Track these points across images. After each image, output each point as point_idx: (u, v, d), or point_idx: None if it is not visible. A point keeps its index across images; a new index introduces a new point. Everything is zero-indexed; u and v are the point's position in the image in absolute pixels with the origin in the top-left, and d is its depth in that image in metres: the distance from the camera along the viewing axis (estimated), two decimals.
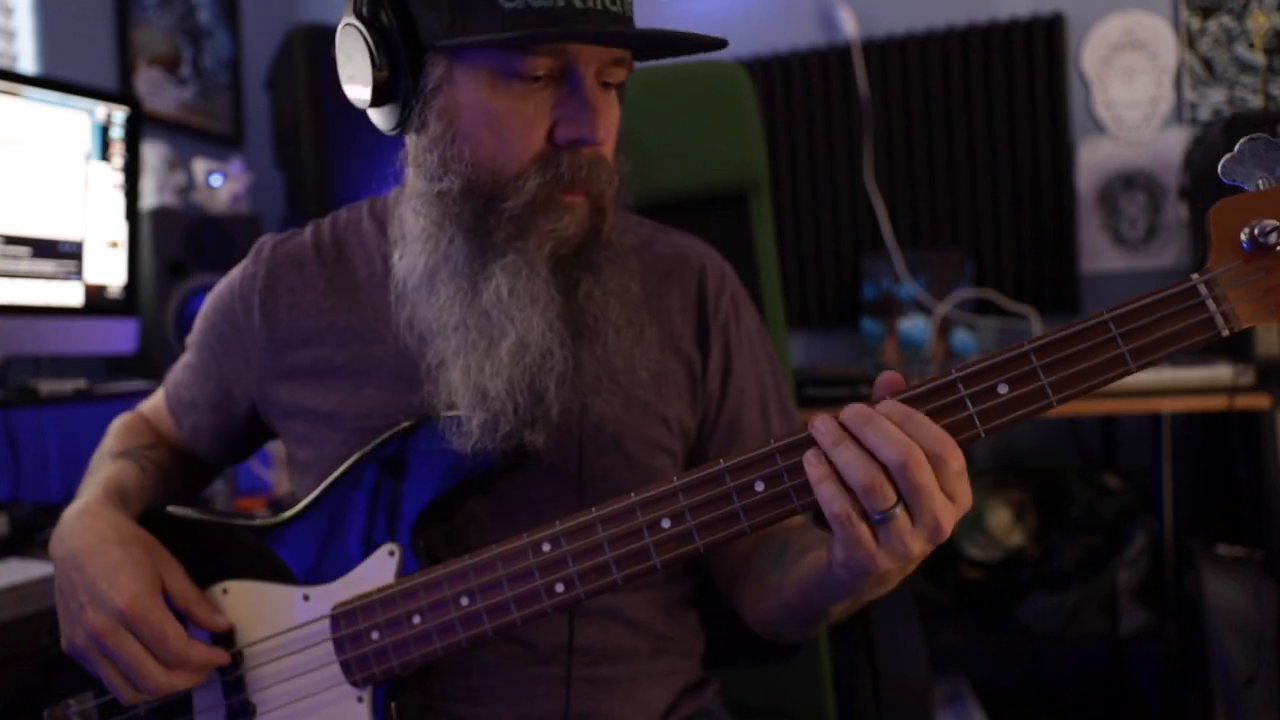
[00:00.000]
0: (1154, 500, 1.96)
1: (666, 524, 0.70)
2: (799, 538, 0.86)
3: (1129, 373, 0.63)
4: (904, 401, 0.64)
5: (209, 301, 0.99)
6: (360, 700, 0.80)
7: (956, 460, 0.62)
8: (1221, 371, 1.79)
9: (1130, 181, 2.40)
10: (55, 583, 0.83)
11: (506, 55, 0.76)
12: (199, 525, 0.90)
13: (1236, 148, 0.61)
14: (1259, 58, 2.31)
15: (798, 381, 2.00)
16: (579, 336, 0.81)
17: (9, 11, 2.03)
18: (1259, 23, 2.31)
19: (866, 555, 0.63)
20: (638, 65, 0.84)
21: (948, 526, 0.62)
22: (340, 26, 0.80)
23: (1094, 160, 2.42)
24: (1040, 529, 2.17)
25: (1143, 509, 2.11)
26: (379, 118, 0.83)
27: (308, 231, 0.97)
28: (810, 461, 0.64)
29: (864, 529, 0.63)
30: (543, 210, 0.78)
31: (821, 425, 0.65)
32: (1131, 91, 2.40)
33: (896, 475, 0.61)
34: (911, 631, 0.96)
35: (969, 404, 0.64)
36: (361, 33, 0.77)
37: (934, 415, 0.64)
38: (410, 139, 0.85)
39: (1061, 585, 2.07)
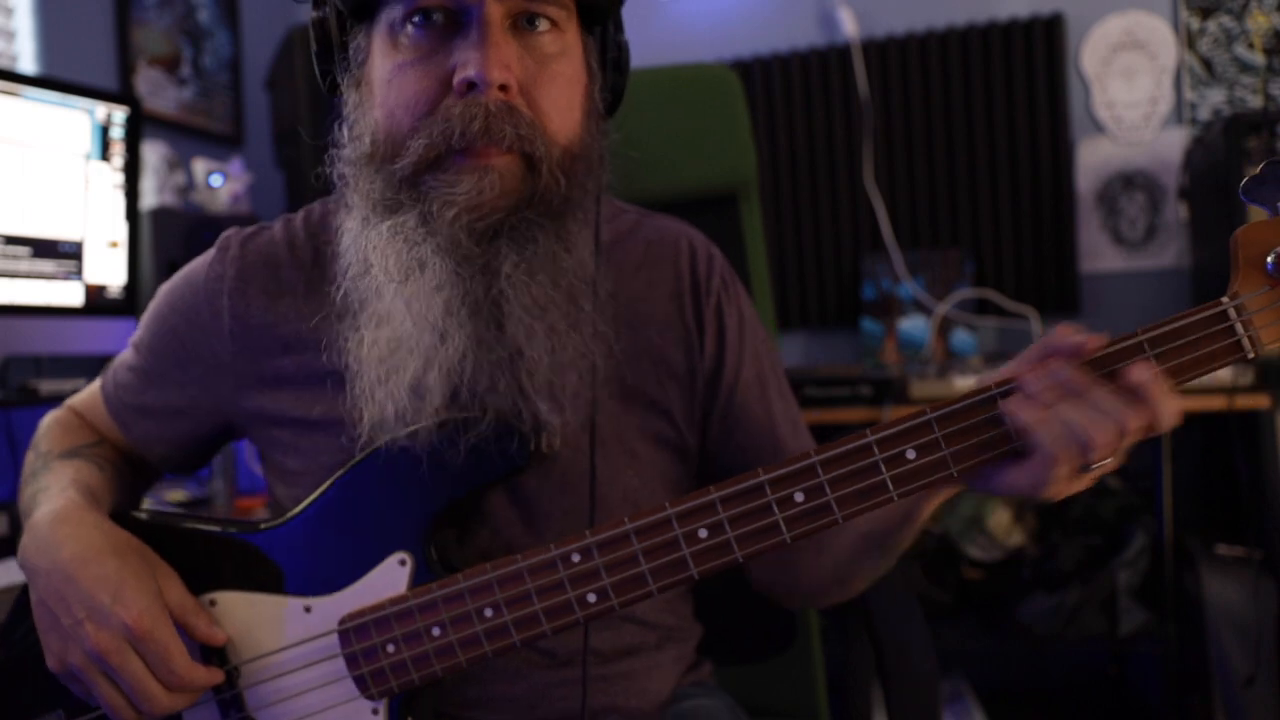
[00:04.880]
0: (1154, 500, 1.96)
1: (704, 534, 0.70)
2: None
3: None
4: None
5: (164, 301, 0.91)
6: (375, 713, 0.77)
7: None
8: (1221, 371, 1.79)
9: (1130, 181, 2.40)
10: (34, 597, 0.77)
11: (396, 1, 0.72)
12: (179, 532, 0.84)
13: (1261, 169, 0.62)
14: (1259, 58, 2.31)
15: (798, 382, 2.00)
16: (511, 324, 0.74)
17: (9, 11, 2.03)
18: (1258, 23, 2.31)
19: (1054, 486, 0.65)
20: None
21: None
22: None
23: (1094, 160, 2.42)
24: (1040, 529, 2.17)
25: (1142, 509, 2.11)
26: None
27: (277, 227, 0.91)
28: (1020, 407, 0.65)
29: (1069, 470, 0.65)
30: (433, 172, 0.72)
31: (1060, 372, 0.65)
32: (1131, 91, 2.40)
33: (1132, 437, 0.64)
34: (918, 627, 0.96)
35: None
36: (315, 25, 0.77)
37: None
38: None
39: (1061, 585, 2.07)
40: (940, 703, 0.94)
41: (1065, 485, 0.66)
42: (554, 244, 0.75)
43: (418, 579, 0.77)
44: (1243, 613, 1.74)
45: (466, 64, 0.70)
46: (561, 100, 0.75)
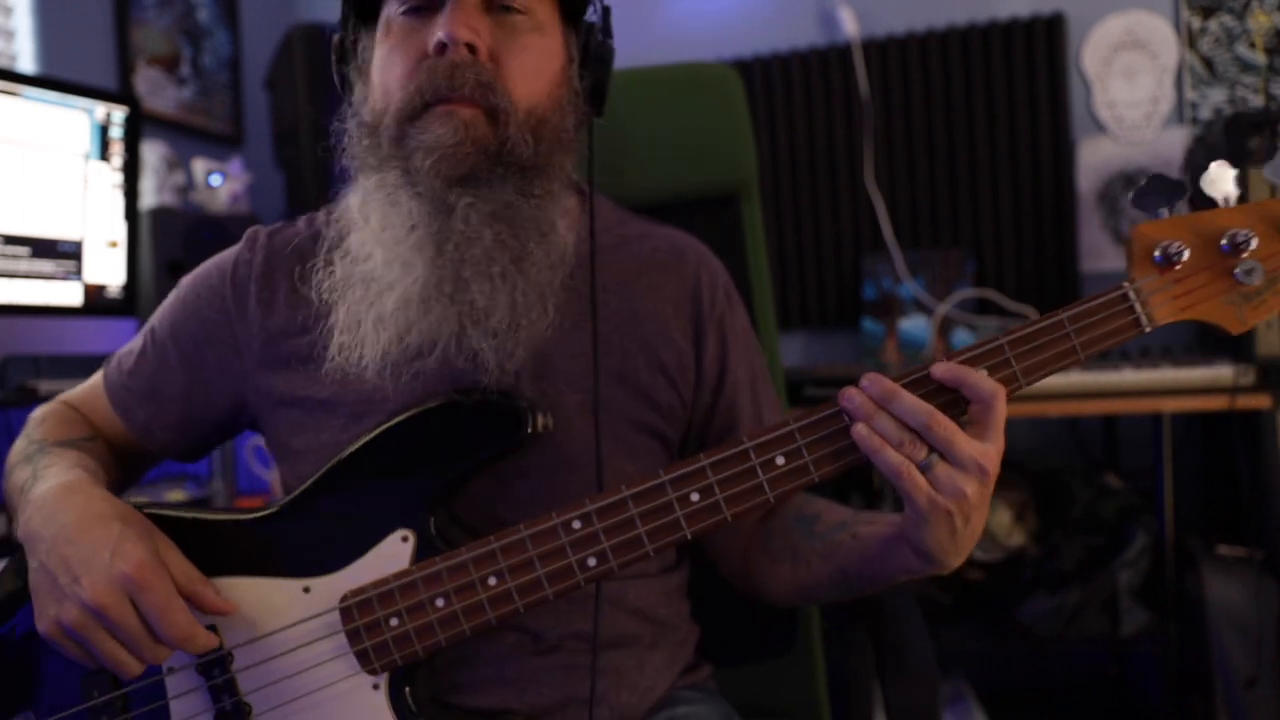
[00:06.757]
0: (1155, 500, 1.96)
1: (695, 497, 0.76)
2: (825, 512, 0.90)
3: (1078, 362, 0.76)
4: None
5: (189, 288, 0.96)
6: (376, 687, 0.79)
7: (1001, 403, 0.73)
8: (1223, 371, 1.79)
9: (1131, 181, 2.40)
10: (33, 564, 0.77)
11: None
12: (182, 523, 0.84)
13: (1145, 184, 0.78)
14: (1260, 57, 2.31)
15: (798, 381, 2.00)
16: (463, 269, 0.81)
17: (9, 11, 2.03)
18: (1260, 22, 2.30)
19: (928, 499, 0.71)
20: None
21: (988, 463, 0.72)
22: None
23: (1095, 160, 2.42)
24: (1041, 529, 2.17)
25: (1143, 509, 2.11)
26: None
27: (301, 222, 0.97)
28: (862, 435, 0.73)
29: (919, 476, 0.72)
30: (411, 123, 0.81)
31: (854, 400, 0.74)
32: (1132, 91, 2.40)
33: (924, 435, 0.72)
34: (918, 627, 0.97)
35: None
36: (335, 44, 0.89)
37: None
38: None
39: (1062, 586, 2.07)
40: (940, 703, 0.94)
41: (940, 496, 0.72)
42: (514, 196, 0.82)
43: (420, 554, 0.80)
44: (1244, 613, 1.73)
45: (436, 29, 0.80)
46: (529, 67, 0.83)
